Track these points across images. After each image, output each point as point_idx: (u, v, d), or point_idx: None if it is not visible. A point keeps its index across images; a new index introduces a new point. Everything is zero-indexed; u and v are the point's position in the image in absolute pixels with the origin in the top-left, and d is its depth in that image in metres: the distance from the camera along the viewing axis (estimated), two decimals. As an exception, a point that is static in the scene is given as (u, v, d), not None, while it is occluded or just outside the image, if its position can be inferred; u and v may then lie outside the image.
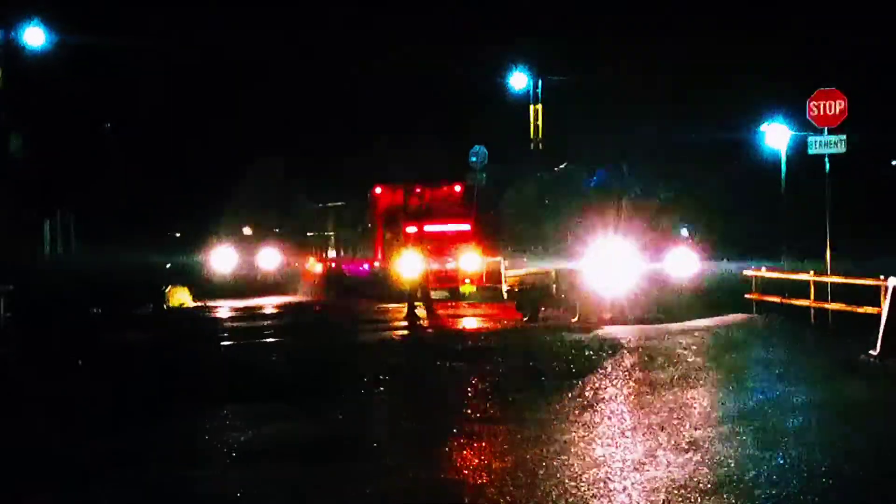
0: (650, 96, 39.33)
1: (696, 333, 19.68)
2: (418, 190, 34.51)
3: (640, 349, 17.75)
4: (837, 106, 21.25)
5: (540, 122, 38.90)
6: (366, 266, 35.75)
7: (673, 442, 10.59)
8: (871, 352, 16.50)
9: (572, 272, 24.60)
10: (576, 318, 23.41)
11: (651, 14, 39.48)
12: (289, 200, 45.13)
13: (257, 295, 38.27)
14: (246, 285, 40.94)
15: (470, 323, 25.57)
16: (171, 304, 34.22)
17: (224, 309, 33.24)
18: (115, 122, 41.61)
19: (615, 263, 23.70)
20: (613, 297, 23.56)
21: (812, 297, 21.02)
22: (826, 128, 21.30)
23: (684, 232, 26.91)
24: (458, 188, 35.15)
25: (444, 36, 47.43)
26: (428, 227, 32.50)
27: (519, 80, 39.33)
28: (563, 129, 39.25)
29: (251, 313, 31.32)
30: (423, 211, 33.80)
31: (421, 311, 26.91)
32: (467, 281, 32.68)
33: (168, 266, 37.80)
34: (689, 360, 16.57)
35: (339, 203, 38.83)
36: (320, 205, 40.93)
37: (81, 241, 37.68)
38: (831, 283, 20.75)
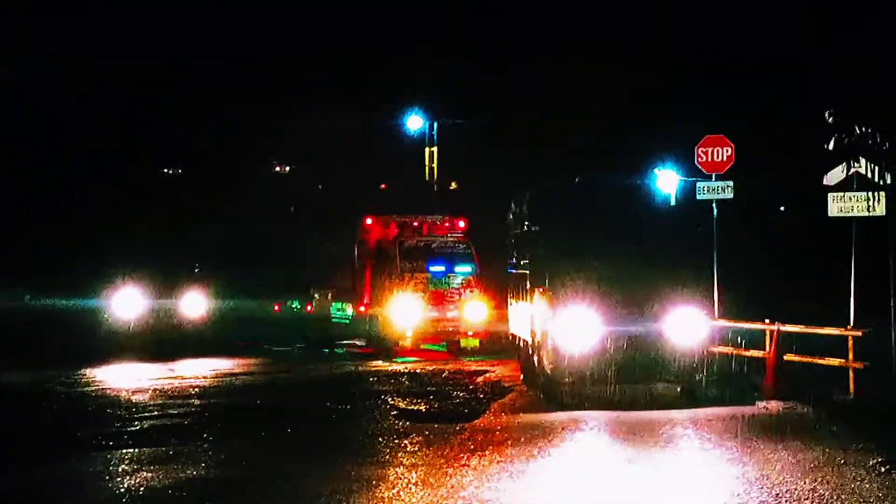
0: (546, 138, 39.63)
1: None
2: (416, 223, 28.90)
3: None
4: (725, 153, 21.68)
5: (435, 164, 39.06)
6: (349, 311, 30.03)
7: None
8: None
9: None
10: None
11: (550, 56, 39.85)
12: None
13: (173, 357, 26.77)
14: (163, 341, 30.10)
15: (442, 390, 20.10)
16: None
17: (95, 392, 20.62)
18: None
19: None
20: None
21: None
22: (714, 174, 21.71)
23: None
24: (461, 223, 29.34)
25: (341, 75, 47.43)
26: (426, 268, 27.67)
27: (414, 122, 39.50)
28: (459, 171, 39.47)
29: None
30: (421, 248, 28.17)
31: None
32: (470, 334, 27.50)
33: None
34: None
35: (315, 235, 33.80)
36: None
37: None
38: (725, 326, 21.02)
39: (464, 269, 27.88)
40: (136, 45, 44.57)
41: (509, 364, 23.42)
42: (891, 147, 18.78)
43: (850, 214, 18.84)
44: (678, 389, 18.08)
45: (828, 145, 18.99)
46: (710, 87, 29.46)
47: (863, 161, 18.81)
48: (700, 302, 18.60)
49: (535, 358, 19.06)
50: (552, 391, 18.00)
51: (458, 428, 14.92)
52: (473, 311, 27.25)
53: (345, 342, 30.74)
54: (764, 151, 26.95)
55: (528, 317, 19.75)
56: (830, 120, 18.99)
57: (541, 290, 18.70)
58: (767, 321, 18.84)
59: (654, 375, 18.16)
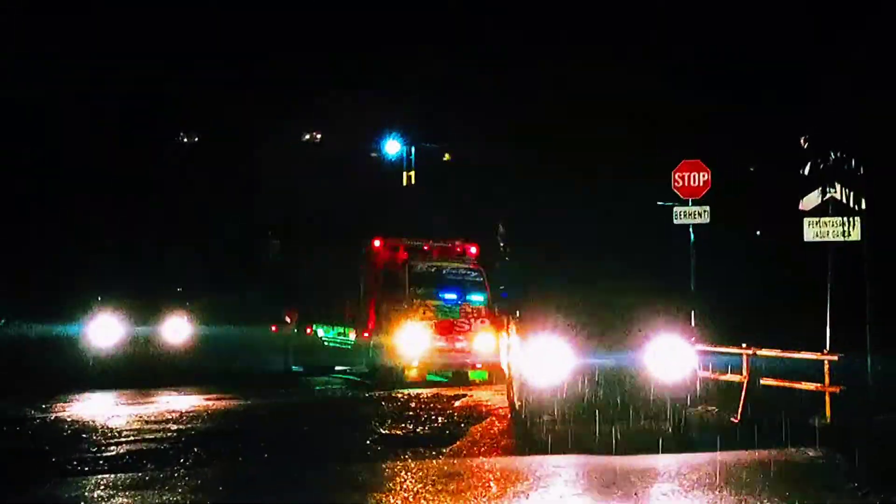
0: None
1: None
2: (426, 247, 27.44)
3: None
4: (701, 177, 21.81)
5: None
6: (351, 337, 28.14)
7: None
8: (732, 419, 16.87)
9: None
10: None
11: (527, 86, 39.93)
12: None
13: (150, 390, 23.91)
14: (144, 369, 27.58)
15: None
16: None
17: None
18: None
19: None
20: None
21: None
22: (690, 199, 21.83)
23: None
24: (473, 249, 27.83)
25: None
26: (437, 295, 26.17)
27: (392, 147, 39.62)
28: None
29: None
30: (432, 274, 26.69)
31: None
32: (479, 366, 26.07)
33: None
34: None
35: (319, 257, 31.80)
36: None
37: None
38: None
39: (476, 297, 26.43)
40: (135, 46, 44.14)
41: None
42: (866, 173, 18.97)
43: (826, 239, 18.97)
44: (660, 427, 16.51)
45: (803, 170, 19.16)
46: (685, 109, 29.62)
47: (838, 186, 18.98)
48: (680, 329, 17.73)
49: (510, 392, 18.62)
50: (527, 430, 16.65)
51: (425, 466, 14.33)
52: (483, 341, 25.61)
53: (344, 369, 29.35)
54: (739, 173, 27.11)
55: (506, 348, 19.57)
56: (806, 146, 19.16)
57: (510, 319, 18.51)
58: (745, 346, 18.78)
59: (635, 411, 16.62)
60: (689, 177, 21.83)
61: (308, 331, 30.71)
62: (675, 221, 21.98)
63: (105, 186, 41.15)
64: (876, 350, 18.17)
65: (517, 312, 18.09)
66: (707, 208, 21.67)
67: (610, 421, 16.05)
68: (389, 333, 25.94)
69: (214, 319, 32.35)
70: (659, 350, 16.89)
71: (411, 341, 25.11)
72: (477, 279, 26.66)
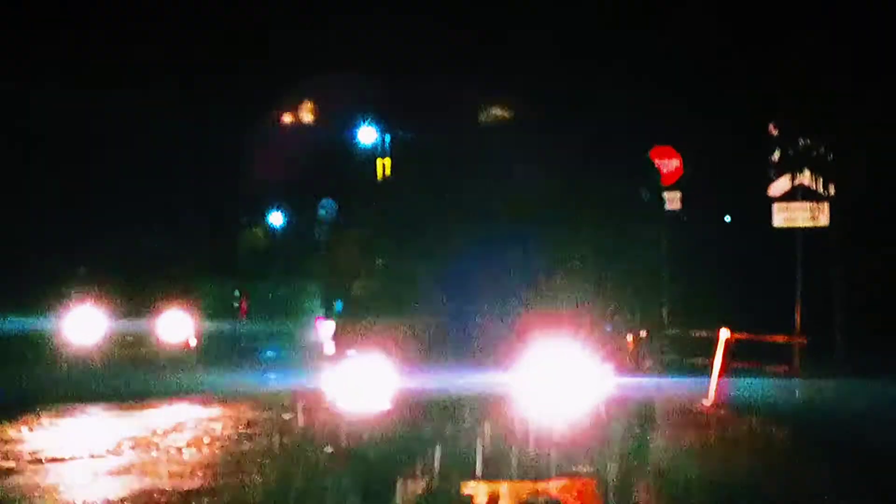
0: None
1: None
2: None
3: None
4: (673, 164, 22.02)
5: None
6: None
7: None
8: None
9: None
10: None
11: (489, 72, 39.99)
12: None
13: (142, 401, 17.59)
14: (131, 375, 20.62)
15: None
16: None
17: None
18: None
19: None
20: None
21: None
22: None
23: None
24: None
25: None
26: None
27: (367, 135, 39.53)
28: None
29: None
30: None
31: None
32: None
33: None
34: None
35: None
36: None
37: None
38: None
39: None
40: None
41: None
42: (835, 158, 19.23)
43: (795, 225, 19.21)
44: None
45: (772, 156, 19.39)
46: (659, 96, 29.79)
47: (807, 172, 19.24)
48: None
49: None
50: None
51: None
52: None
53: None
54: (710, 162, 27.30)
55: None
56: (775, 132, 19.39)
57: None
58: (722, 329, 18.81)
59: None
60: (660, 164, 22.00)
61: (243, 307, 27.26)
62: (647, 208, 22.16)
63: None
64: (845, 332, 18.49)
65: None
66: (678, 194, 21.86)
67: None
68: None
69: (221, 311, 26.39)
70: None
71: None
72: None
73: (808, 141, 19.06)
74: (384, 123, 39.48)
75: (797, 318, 18.78)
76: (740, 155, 22.98)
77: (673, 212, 21.97)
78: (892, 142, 18.69)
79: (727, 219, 30.10)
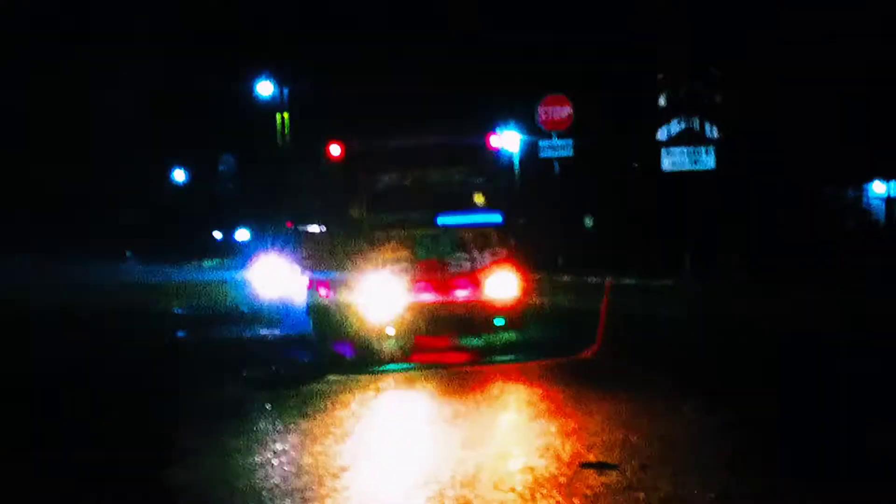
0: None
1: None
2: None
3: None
4: (565, 111, 22.14)
5: (286, 130, 38.83)
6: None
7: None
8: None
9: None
10: None
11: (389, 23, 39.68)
12: None
13: None
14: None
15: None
16: None
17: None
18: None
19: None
20: None
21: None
22: (555, 132, 22.15)
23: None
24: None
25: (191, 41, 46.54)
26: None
27: (265, 88, 39.18)
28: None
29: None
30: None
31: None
32: (499, 322, 14.34)
33: None
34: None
35: None
36: None
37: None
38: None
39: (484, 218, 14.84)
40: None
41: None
42: (721, 102, 19.50)
43: (682, 169, 19.50)
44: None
45: (659, 101, 19.61)
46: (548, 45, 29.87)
47: (696, 119, 19.49)
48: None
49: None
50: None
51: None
52: (501, 283, 14.44)
53: None
54: (605, 108, 27.54)
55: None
56: (661, 77, 19.60)
57: None
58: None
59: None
60: (552, 111, 22.13)
61: None
62: (541, 155, 22.33)
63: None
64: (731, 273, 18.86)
65: None
66: (570, 142, 22.02)
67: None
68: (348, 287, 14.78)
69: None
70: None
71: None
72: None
73: (692, 86, 19.28)
74: (283, 77, 39.37)
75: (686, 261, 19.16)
76: (629, 101, 23.25)
77: (565, 159, 22.21)
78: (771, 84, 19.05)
79: (588, 223, 30.28)
